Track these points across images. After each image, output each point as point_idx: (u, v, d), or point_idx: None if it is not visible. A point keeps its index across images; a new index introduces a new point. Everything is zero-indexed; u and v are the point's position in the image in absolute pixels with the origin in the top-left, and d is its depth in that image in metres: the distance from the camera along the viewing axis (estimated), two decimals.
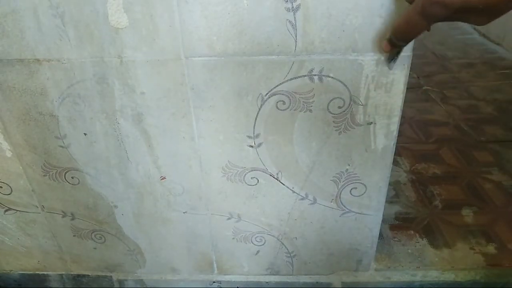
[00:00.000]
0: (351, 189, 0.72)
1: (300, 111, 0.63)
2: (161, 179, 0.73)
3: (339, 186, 0.72)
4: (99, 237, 0.84)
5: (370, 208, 0.75)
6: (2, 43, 0.59)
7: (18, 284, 0.98)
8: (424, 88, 1.70)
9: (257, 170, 0.70)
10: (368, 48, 0.56)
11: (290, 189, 0.73)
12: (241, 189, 0.73)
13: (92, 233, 0.84)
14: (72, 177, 0.75)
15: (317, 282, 0.88)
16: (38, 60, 0.61)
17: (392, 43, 0.51)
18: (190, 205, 0.77)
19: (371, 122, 0.64)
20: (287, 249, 0.83)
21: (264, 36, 0.56)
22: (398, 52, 0.55)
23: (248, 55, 0.58)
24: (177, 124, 0.66)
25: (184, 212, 0.78)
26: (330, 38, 0.56)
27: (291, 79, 0.60)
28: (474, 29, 2.25)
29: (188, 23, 0.56)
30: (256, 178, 0.72)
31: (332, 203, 0.74)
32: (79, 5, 0.55)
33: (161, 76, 0.61)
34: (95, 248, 0.87)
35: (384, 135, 0.65)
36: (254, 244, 0.83)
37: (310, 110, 0.63)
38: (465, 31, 2.29)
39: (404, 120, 1.45)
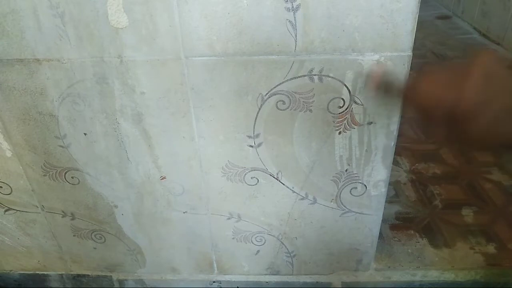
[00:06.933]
0: (351, 189, 0.72)
1: (300, 111, 0.63)
2: (161, 179, 0.73)
3: (339, 186, 0.72)
4: (99, 237, 0.84)
5: (370, 208, 0.75)
6: (2, 43, 0.59)
7: (18, 284, 0.98)
8: None
9: (257, 170, 0.70)
10: (368, 48, 0.56)
11: (290, 189, 0.73)
12: (241, 189, 0.73)
13: (92, 233, 0.84)
14: (72, 177, 0.75)
15: (317, 282, 0.88)
16: (38, 60, 0.61)
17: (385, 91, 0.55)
18: (190, 205, 0.77)
19: (371, 122, 0.64)
20: (287, 249, 0.83)
21: (264, 36, 0.56)
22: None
23: (248, 55, 0.58)
24: (177, 124, 0.66)
25: (184, 212, 0.78)
26: (330, 38, 0.56)
27: (291, 79, 0.60)
28: (474, 29, 2.24)
29: (188, 23, 0.56)
30: (256, 178, 0.72)
31: (332, 203, 0.74)
32: (79, 5, 0.55)
33: (161, 76, 0.61)
34: (95, 248, 0.87)
35: (384, 135, 0.65)
36: (254, 244, 0.83)
37: (310, 110, 0.63)
38: (465, 31, 2.29)
39: (404, 120, 1.45)
